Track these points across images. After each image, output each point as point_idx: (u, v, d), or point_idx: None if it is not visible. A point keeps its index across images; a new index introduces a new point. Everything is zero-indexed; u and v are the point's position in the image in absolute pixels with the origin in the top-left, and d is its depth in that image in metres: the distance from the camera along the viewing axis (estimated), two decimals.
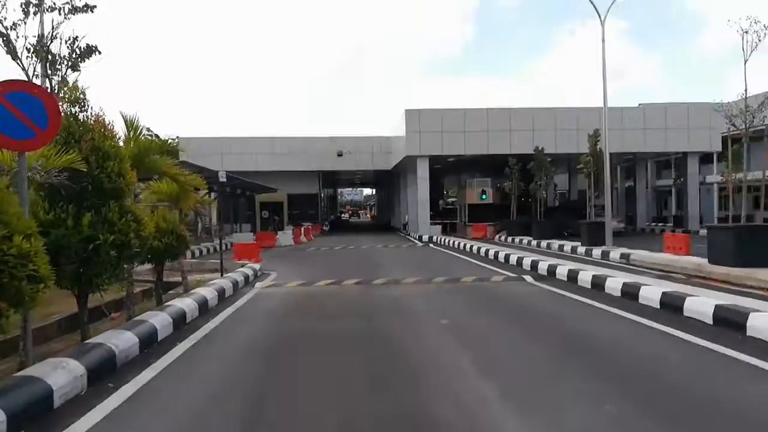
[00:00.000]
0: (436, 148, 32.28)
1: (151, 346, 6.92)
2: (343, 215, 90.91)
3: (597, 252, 18.39)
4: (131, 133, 8.40)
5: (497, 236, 30.41)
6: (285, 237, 31.20)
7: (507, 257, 17.11)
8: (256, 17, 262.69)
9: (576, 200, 48.15)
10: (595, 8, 18.40)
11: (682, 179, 37.14)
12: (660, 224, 42.53)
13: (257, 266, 15.24)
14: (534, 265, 14.62)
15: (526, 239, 25.87)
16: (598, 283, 11.06)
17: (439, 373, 5.70)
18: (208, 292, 10.04)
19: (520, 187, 28.57)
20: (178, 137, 45.35)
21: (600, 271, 12.37)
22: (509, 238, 27.88)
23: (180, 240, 9.77)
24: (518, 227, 29.18)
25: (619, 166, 45.66)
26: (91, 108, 7.31)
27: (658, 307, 8.88)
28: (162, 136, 52.38)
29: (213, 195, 36.44)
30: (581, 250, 19.65)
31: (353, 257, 20.78)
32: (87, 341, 6.16)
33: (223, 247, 27.86)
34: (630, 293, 9.83)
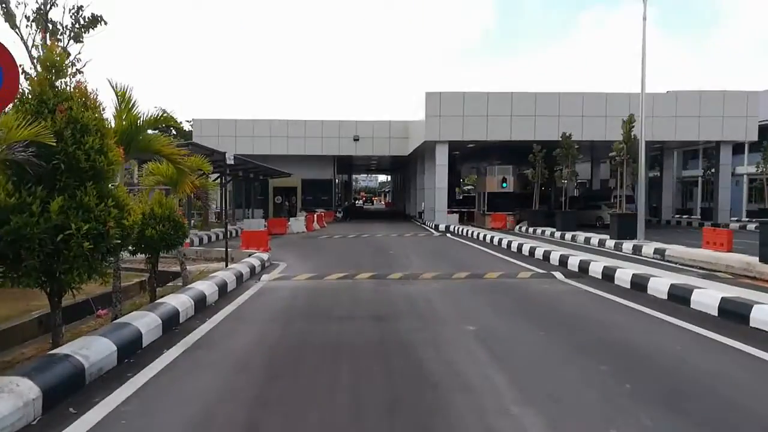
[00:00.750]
0: (457, 133, 31.07)
1: (133, 354, 5.98)
2: (357, 202, 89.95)
3: (628, 246, 17.19)
4: (122, 106, 7.41)
5: (517, 227, 29.23)
6: (297, 224, 30.28)
7: (532, 250, 15.99)
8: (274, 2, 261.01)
9: (598, 190, 46.74)
10: None
11: (712, 170, 35.61)
12: (685, 216, 41.01)
13: (265, 256, 14.30)
14: (563, 261, 13.51)
15: (548, 230, 24.67)
16: (639, 283, 9.95)
17: (470, 400, 4.67)
18: (207, 287, 9.09)
19: (544, 175, 27.23)
20: (192, 119, 44.72)
21: (640, 269, 11.23)
22: (530, 229, 26.69)
23: (177, 228, 8.82)
24: (540, 217, 27.98)
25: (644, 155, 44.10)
26: (86, 82, 6.35)
27: (716, 314, 7.77)
28: (175, 117, 51.76)
29: (227, 178, 35.66)
30: (610, 243, 18.45)
31: (367, 247, 19.78)
32: (53, 351, 5.21)
33: (233, 233, 27.09)
34: (679, 296, 8.72)
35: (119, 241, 5.93)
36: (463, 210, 37.46)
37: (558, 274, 11.97)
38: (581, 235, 21.22)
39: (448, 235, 26.26)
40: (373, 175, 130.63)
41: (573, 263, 12.91)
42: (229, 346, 6.52)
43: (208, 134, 40.44)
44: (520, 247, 17.19)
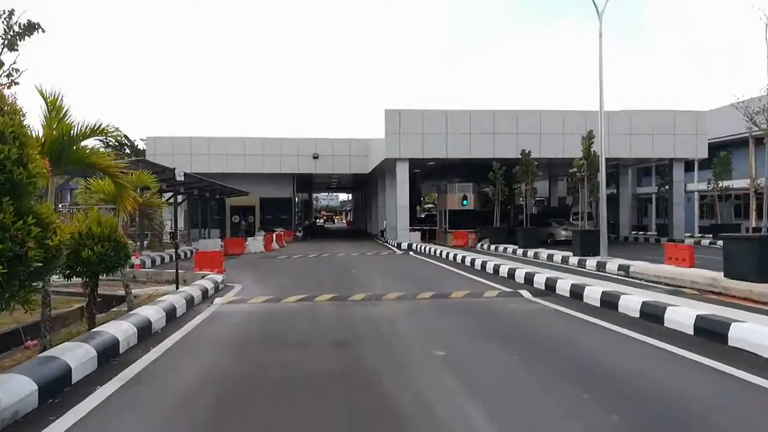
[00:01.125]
0: (417, 151, 30.86)
1: (60, 392, 5.23)
2: (318, 221, 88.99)
3: (591, 263, 17.06)
4: (52, 114, 6.68)
5: (479, 244, 29.07)
6: (255, 243, 29.39)
7: (496, 268, 15.65)
8: (228, 15, 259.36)
9: (556, 207, 47.35)
10: (593, 1, 17.10)
11: (666, 187, 36.41)
12: (641, 232, 41.78)
13: (220, 278, 13.51)
14: (529, 279, 13.18)
15: (510, 247, 24.52)
16: (609, 301, 9.64)
17: None
18: (153, 312, 8.33)
19: (504, 192, 27.19)
20: (146, 137, 43.38)
21: (608, 286, 10.96)
22: (492, 246, 26.52)
23: (119, 248, 8.03)
24: (501, 235, 27.88)
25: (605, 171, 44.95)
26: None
27: (692, 332, 7.47)
28: (129, 137, 49.71)
29: (181, 197, 34.46)
30: (573, 260, 18.31)
31: (328, 267, 19.13)
32: None
33: (188, 254, 26.01)
34: (651, 314, 8.42)
35: (41, 264, 5.19)
36: (425, 228, 37.17)
37: (525, 293, 11.60)
38: (543, 252, 21.09)
39: (411, 253, 25.83)
40: (334, 194, 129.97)
41: (539, 281, 12.59)
42: (173, 380, 5.82)
43: (163, 152, 39.23)
44: (484, 264, 16.85)
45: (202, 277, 13.82)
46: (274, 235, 33.24)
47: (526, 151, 24.18)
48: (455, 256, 20.67)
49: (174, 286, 13.45)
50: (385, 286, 13.21)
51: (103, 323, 7.85)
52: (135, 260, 17.40)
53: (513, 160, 29.40)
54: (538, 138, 30.61)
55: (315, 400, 5.10)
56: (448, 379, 5.64)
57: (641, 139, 32.13)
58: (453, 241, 30.33)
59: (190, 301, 10.23)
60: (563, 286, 11.47)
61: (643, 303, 8.74)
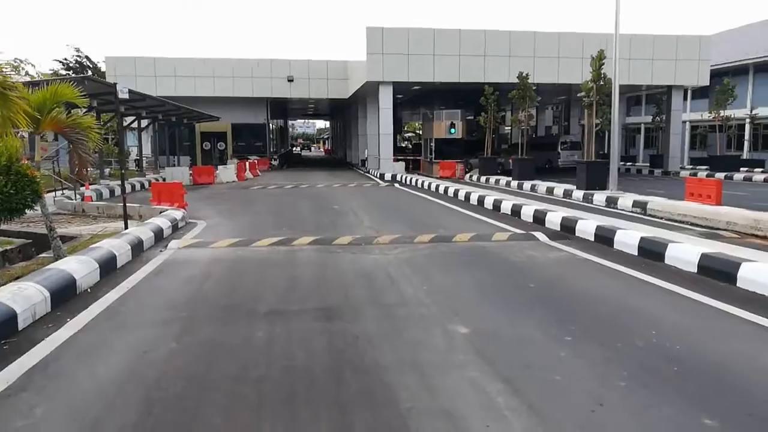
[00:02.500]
0: (402, 74, 28.33)
1: None
2: (294, 149, 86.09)
3: (600, 198, 15.38)
4: None
5: (468, 175, 27.27)
6: (226, 172, 27.16)
7: (497, 204, 13.88)
8: None
9: (542, 137, 45.56)
10: None
11: (660, 116, 34.72)
12: (630, 164, 40.37)
13: (179, 214, 11.49)
14: (539, 217, 11.45)
15: (503, 179, 22.76)
16: (651, 250, 7.95)
17: None
18: (79, 265, 6.37)
19: (496, 119, 25.14)
20: (105, 57, 39.72)
21: (639, 229, 9.26)
22: (483, 178, 24.74)
23: (22, 184, 5.95)
24: (492, 165, 26.08)
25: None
26: None
27: None
28: (91, 57, 45.87)
29: (144, 123, 31.68)
30: (578, 194, 16.61)
31: (307, 200, 17.17)
32: None
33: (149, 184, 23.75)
34: (718, 271, 6.72)
35: None
36: (408, 158, 35.14)
37: (540, 236, 9.86)
38: (542, 185, 19.36)
39: (396, 185, 23.93)
40: (311, 121, 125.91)
41: (553, 221, 10.86)
42: (81, 381, 3.95)
43: (124, 73, 35.86)
44: (481, 199, 15.06)
45: (160, 213, 11.83)
46: (247, 163, 30.99)
47: (524, 74, 21.95)
48: (446, 189, 18.84)
49: (130, 222, 11.50)
50: (374, 225, 11.37)
51: (11, 281, 5.91)
52: (87, 191, 15.23)
53: (505, 85, 27.25)
54: (531, 62, 28.23)
55: (291, 424, 3.30)
56: (488, 382, 3.86)
57: (640, 65, 29.95)
58: (440, 172, 28.46)
59: (137, 246, 8.25)
60: (585, 227, 9.75)
61: (703, 255, 7.04)
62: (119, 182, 23.38)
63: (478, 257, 8.22)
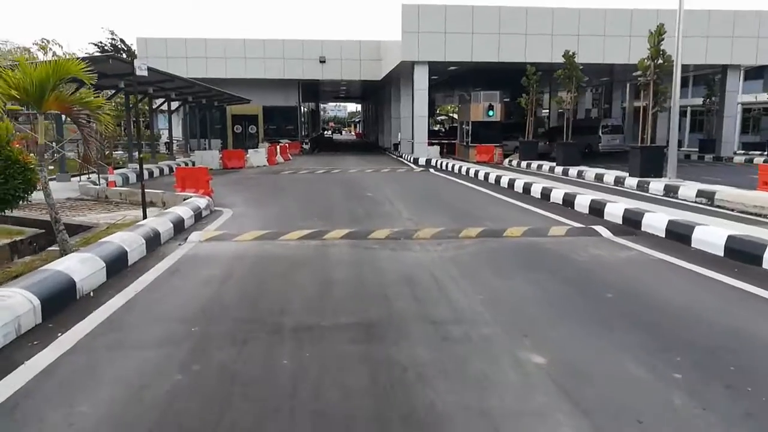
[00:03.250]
0: (438, 53, 27.07)
1: None
2: (326, 132, 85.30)
3: (657, 186, 14.06)
4: None
5: (507, 160, 25.97)
6: (257, 156, 26.43)
7: (545, 192, 12.71)
8: None
9: (582, 119, 43.75)
10: None
11: (712, 98, 32.69)
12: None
13: (204, 202, 10.67)
14: (596, 208, 10.30)
15: (546, 164, 21.44)
16: (744, 252, 6.76)
17: None
18: (81, 265, 5.55)
19: (538, 101, 23.75)
20: (136, 38, 39.34)
21: (720, 224, 8.06)
22: (524, 163, 23.45)
23: (14, 172, 5.14)
24: (533, 149, 24.73)
25: (629, 83, 41.03)
26: None
27: None
28: (125, 40, 45.53)
29: (174, 105, 31.17)
30: (631, 182, 15.29)
31: (339, 187, 16.25)
32: None
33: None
34: None
35: None
36: (443, 142, 33.93)
37: (602, 230, 8.73)
38: (589, 171, 18.03)
39: (431, 170, 22.82)
40: (342, 105, 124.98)
41: (614, 213, 9.70)
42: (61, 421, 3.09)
43: (155, 55, 35.41)
44: (527, 187, 13.90)
45: (183, 201, 11.05)
46: (278, 147, 30.23)
47: (570, 52, 20.49)
48: (486, 174, 17.69)
49: (153, 208, 10.79)
50: (412, 216, 10.37)
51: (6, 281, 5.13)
52: (111, 176, 14.60)
53: (545, 65, 25.80)
54: (575, 40, 26.58)
55: None
56: None
57: (694, 42, 27.97)
58: (476, 156, 27.21)
59: (153, 240, 7.43)
60: (654, 222, 8.58)
61: None
62: (153, 165, 22.97)
63: (537, 256, 7.16)
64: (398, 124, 37.82)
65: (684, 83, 44.84)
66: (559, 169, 20.00)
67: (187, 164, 23.76)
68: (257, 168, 24.61)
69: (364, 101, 74.47)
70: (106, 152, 25.98)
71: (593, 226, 9.00)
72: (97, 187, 14.05)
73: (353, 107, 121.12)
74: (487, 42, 26.88)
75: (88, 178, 16.44)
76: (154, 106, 29.06)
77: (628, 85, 42.45)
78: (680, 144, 41.24)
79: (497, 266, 6.66)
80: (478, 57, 27.12)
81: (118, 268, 6.27)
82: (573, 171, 18.92)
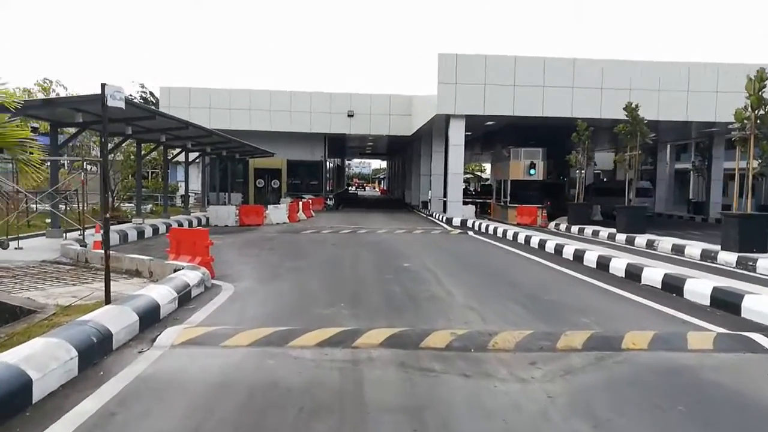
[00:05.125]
0: (476, 106, 24.89)
1: None
2: (350, 188, 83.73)
3: (767, 264, 11.20)
4: None
5: (553, 224, 23.27)
6: (277, 213, 24.13)
7: (634, 272, 9.94)
8: None
9: (609, 181, 41.19)
10: None
11: (698, 162, 30.17)
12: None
13: (196, 276, 8.12)
14: (724, 300, 7.51)
15: (603, 231, 18.64)
16: None
17: None
18: None
19: (591, 159, 21.23)
20: (160, 87, 38.28)
21: None
22: (574, 228, 20.68)
23: None
24: (584, 213, 22.03)
25: (670, 143, 38.54)
26: None
27: None
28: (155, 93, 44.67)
29: (193, 156, 29.33)
30: (727, 258, 12.37)
31: (369, 253, 13.67)
32: None
33: (196, 222, 20.88)
34: None
35: None
36: (477, 201, 31.45)
37: (760, 338, 5.93)
38: (664, 241, 15.16)
39: (471, 233, 20.14)
40: (366, 161, 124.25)
41: (755, 308, 6.90)
42: None
43: (178, 105, 34.23)
44: (603, 262, 11.14)
45: (174, 271, 8.56)
46: (300, 203, 27.99)
47: (633, 105, 18.04)
48: (542, 243, 14.94)
49: (144, 278, 8.35)
50: (472, 303, 7.67)
51: None
52: (95, 235, 12.25)
53: (593, 120, 23.48)
54: (627, 94, 24.39)
55: None
56: None
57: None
58: (517, 218, 24.60)
59: (96, 346, 4.83)
60: None
61: None
62: (161, 220, 20.74)
63: (702, 396, 4.38)
64: (428, 181, 35.58)
65: (730, 145, 42.16)
66: (621, 237, 17.17)
67: (191, 223, 21.51)
68: (277, 226, 22.25)
69: (390, 157, 72.94)
70: (116, 204, 24.10)
71: (746, 333, 6.19)
72: (79, 249, 11.66)
73: (377, 164, 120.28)
74: (530, 95, 24.70)
75: (80, 234, 14.09)
76: (172, 157, 27.24)
77: (669, 146, 39.94)
78: (727, 208, 38.17)
79: (654, 422, 3.90)
80: (521, 111, 24.86)
81: (15, 407, 3.69)
82: (641, 240, 16.08)
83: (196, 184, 38.90)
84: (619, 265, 10.59)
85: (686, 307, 7.65)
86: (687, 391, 4.50)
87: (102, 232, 6.86)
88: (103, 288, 8.44)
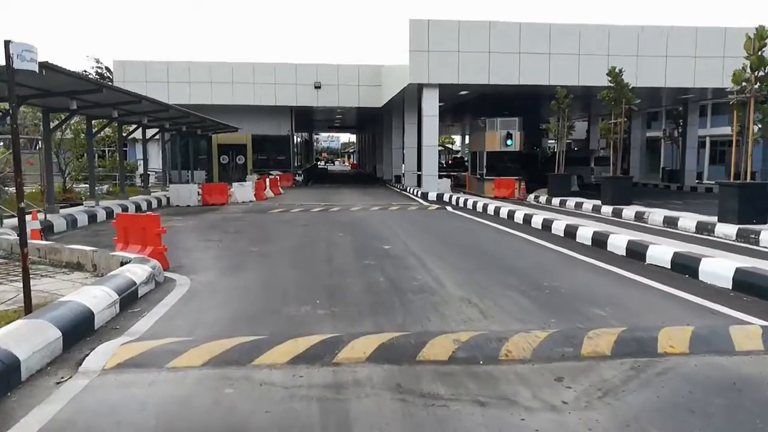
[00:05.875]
0: (450, 74, 23.74)
1: None
2: (318, 163, 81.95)
3: None
4: None
5: (531, 196, 22.46)
6: (243, 191, 22.77)
7: (637, 250, 9.07)
8: None
9: (574, 150, 40.84)
10: None
11: (671, 129, 30.03)
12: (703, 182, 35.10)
13: (144, 271, 6.90)
14: (747, 282, 6.66)
15: (587, 203, 17.86)
16: None
17: None
18: None
19: (569, 129, 20.36)
20: (113, 60, 35.93)
21: None
22: (555, 200, 19.89)
23: None
24: (565, 184, 21.25)
25: (644, 111, 38.06)
26: None
27: None
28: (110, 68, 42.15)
29: (151, 132, 27.53)
30: (725, 230, 11.60)
31: (344, 233, 12.56)
32: None
33: (157, 204, 19.39)
34: None
35: None
36: (451, 174, 30.47)
37: None
38: (655, 214, 14.39)
39: (449, 208, 19.15)
40: (335, 135, 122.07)
41: None
42: None
43: (133, 79, 32.25)
44: (600, 239, 10.27)
45: (120, 264, 7.35)
46: (268, 180, 26.62)
47: (617, 69, 17.12)
48: (528, 217, 14.04)
49: (83, 272, 7.12)
50: (467, 294, 6.65)
51: None
52: (33, 223, 10.83)
53: (572, 88, 22.60)
54: (605, 60, 23.50)
55: None
56: None
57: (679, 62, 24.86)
58: (495, 191, 23.73)
59: None
60: None
61: None
62: (116, 202, 19.19)
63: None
64: (400, 154, 34.45)
65: (702, 111, 42.06)
66: (607, 210, 16.38)
67: (150, 204, 20.04)
68: (243, 204, 20.95)
69: (359, 131, 71.34)
70: (68, 185, 22.34)
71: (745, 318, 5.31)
72: (13, 239, 10.23)
73: (346, 138, 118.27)
74: (506, 62, 23.63)
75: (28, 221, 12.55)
76: (128, 134, 25.42)
77: (641, 114, 39.50)
78: (699, 176, 38.13)
79: None
80: (497, 79, 23.80)
81: None
82: (628, 212, 15.30)
83: (157, 163, 36.98)
84: (618, 242, 9.70)
85: (706, 292, 6.78)
86: (751, 410, 3.56)
87: (18, 226, 5.57)
88: (39, 285, 7.21)
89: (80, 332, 4.92)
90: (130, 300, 6.16)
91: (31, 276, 8.12)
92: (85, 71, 49.79)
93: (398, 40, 26.72)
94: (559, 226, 12.17)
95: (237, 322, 5.57)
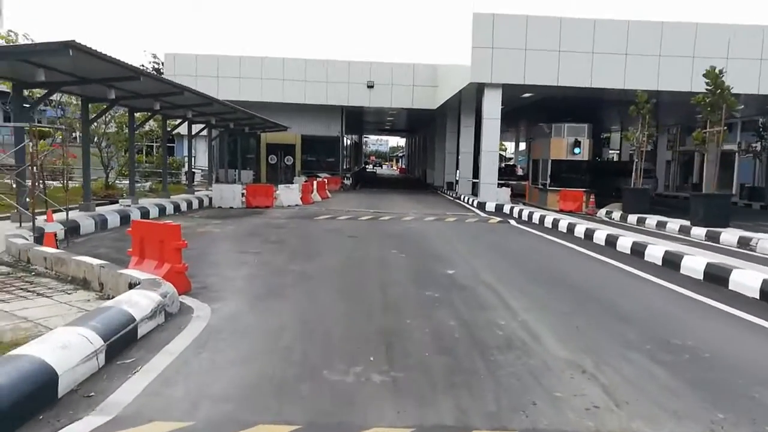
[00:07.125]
0: (516, 74, 21.81)
1: None
2: (367, 166, 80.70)
3: None
4: None
5: (602, 211, 20.25)
6: (289, 194, 21.41)
7: None
8: None
9: (608, 162, 38.19)
10: None
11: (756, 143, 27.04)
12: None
13: (153, 300, 5.38)
14: None
15: (672, 222, 15.60)
16: None
17: None
18: None
19: (653, 136, 18.10)
20: (165, 54, 35.43)
21: None
22: (632, 218, 17.66)
23: None
24: (644, 201, 18.96)
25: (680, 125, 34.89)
26: None
27: None
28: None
29: (196, 128, 26.61)
30: None
31: (397, 250, 10.86)
32: None
33: (196, 205, 18.20)
34: None
35: None
36: (510, 182, 28.37)
37: None
38: (765, 240, 12.14)
39: (512, 222, 17.20)
40: (384, 139, 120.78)
41: None
42: None
43: (184, 73, 31.58)
44: (715, 273, 8.24)
45: (131, 287, 5.90)
46: (315, 182, 25.23)
47: (717, 69, 14.85)
48: (610, 238, 12.01)
49: (82, 292, 5.70)
50: (586, 367, 4.83)
51: None
52: (49, 226, 9.55)
53: (653, 93, 20.32)
54: (689, 63, 21.13)
55: None
56: None
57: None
58: (560, 203, 21.61)
59: None
60: None
61: None
62: (155, 200, 18.08)
63: None
64: (454, 159, 32.63)
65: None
66: (698, 232, 14.13)
67: (190, 204, 18.86)
68: (288, 209, 19.58)
69: (410, 134, 69.63)
70: (110, 181, 21.51)
71: None
72: (21, 244, 8.94)
73: (395, 141, 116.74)
74: (577, 62, 21.52)
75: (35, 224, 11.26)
76: (172, 128, 24.52)
77: (678, 127, 36.46)
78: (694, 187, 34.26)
79: None
80: (567, 81, 21.70)
81: None
82: (728, 237, 13.04)
83: (203, 160, 36.27)
84: (746, 280, 7.65)
85: None
86: None
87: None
88: (28, 308, 5.82)
89: (32, 408, 3.38)
90: (124, 344, 4.63)
91: (26, 294, 6.76)
92: (143, 65, 49.87)
93: (458, 37, 24.99)
94: (654, 252, 10.14)
95: (260, 394, 3.94)
